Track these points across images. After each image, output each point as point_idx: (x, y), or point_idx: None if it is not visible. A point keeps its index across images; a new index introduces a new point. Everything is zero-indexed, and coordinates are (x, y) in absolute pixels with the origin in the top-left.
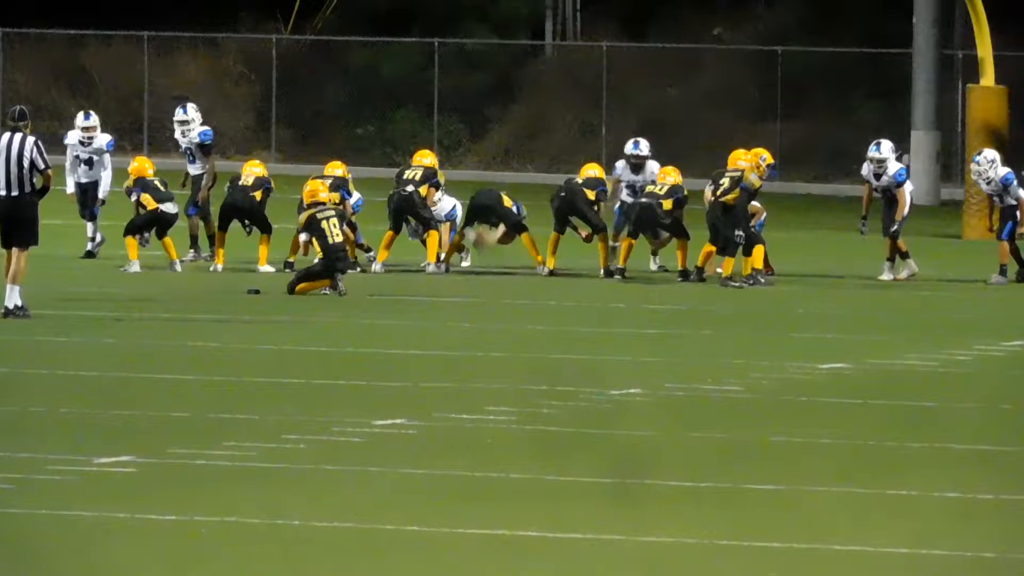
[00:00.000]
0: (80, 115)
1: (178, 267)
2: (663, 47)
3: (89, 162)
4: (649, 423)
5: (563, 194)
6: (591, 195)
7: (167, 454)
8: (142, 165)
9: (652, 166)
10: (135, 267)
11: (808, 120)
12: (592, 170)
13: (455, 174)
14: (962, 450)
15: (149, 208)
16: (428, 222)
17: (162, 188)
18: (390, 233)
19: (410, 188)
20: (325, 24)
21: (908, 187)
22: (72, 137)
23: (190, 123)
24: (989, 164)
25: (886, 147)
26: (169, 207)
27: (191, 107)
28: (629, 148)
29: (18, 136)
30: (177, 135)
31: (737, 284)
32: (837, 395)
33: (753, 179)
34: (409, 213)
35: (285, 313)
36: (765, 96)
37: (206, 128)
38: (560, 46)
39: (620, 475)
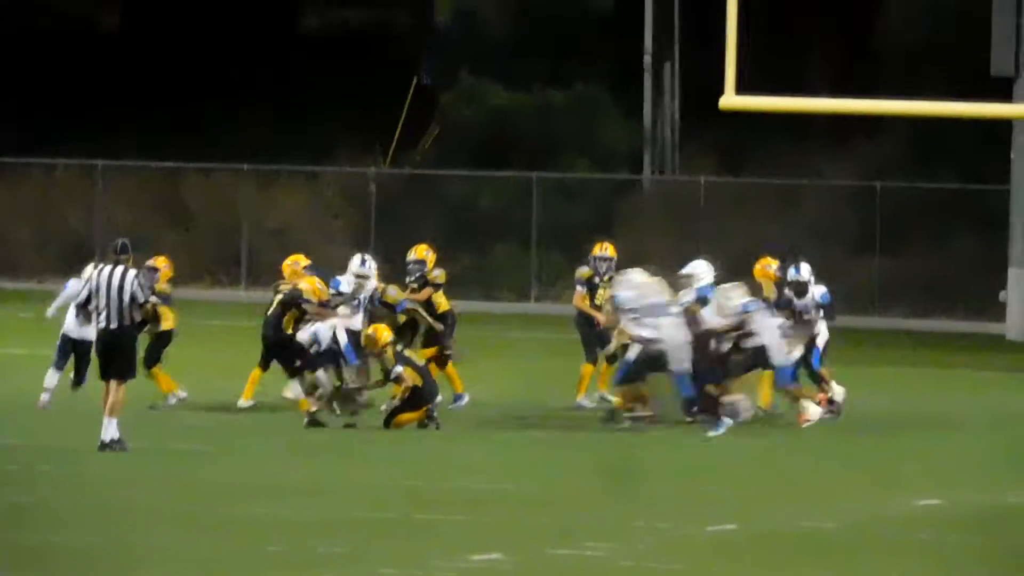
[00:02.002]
0: (356, 258)
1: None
2: (762, 182)
3: (359, 306)
4: (742, 561)
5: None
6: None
7: None
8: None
9: (816, 290)
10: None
11: (907, 255)
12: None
13: (555, 308)
14: None
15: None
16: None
17: None
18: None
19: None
20: (424, 157)
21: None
22: (344, 282)
23: (370, 278)
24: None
25: (805, 269)
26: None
27: (371, 261)
28: (791, 274)
29: (120, 269)
30: (348, 285)
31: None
32: (933, 531)
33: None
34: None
35: (380, 446)
36: (864, 230)
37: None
38: (658, 180)
39: None
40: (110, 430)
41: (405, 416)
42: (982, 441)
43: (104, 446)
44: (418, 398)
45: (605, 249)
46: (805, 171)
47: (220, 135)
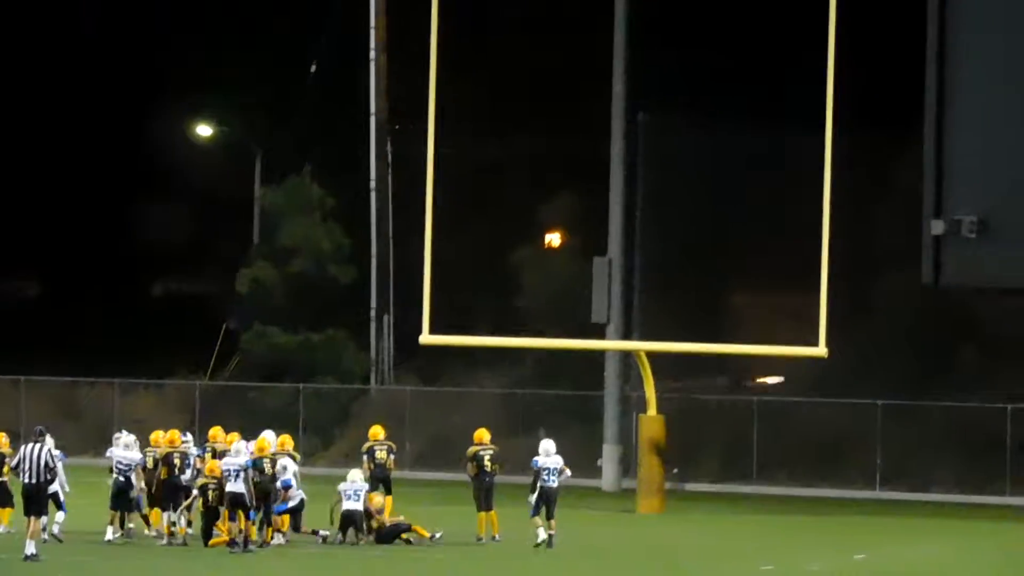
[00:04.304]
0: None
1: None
2: (446, 390)
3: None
4: None
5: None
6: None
7: None
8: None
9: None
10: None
11: (535, 438)
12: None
13: (314, 470)
14: None
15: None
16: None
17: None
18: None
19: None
20: (232, 373)
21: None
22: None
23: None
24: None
25: (548, 446)
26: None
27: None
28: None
29: (39, 446)
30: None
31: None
32: None
33: None
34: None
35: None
36: (512, 421)
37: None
38: (380, 389)
39: None
40: (31, 548)
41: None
42: (590, 551)
43: (27, 558)
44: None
45: (379, 433)
46: (473, 382)
47: (99, 362)
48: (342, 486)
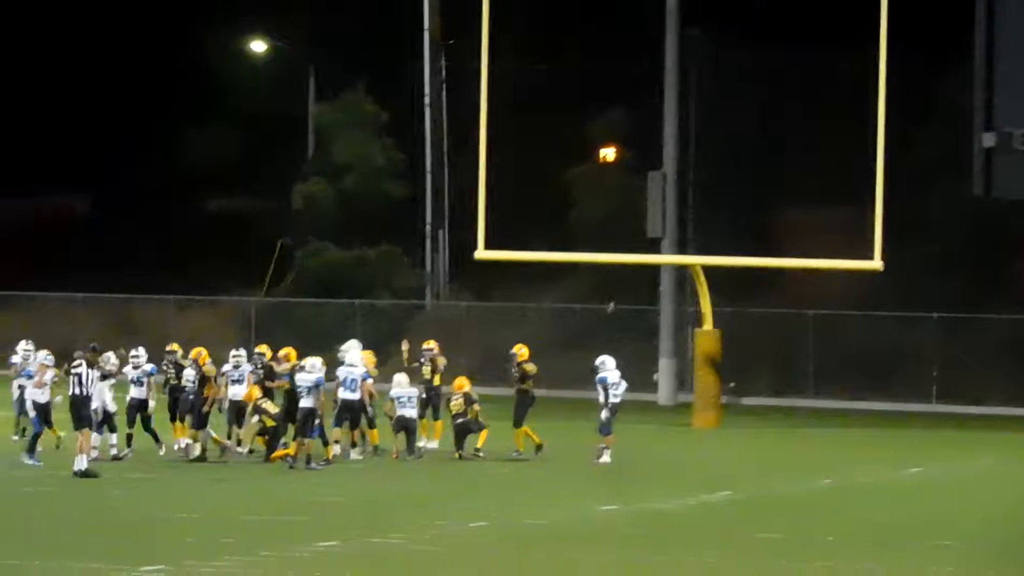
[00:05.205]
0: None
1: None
2: (501, 304)
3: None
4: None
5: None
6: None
7: None
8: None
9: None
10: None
11: (591, 353)
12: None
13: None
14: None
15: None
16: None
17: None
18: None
19: None
20: (287, 290)
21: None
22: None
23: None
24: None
25: (609, 362)
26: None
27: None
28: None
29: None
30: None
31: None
32: (624, 524)
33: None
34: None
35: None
36: (562, 337)
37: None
38: (435, 305)
39: None
40: (78, 463)
41: (276, 453)
42: (646, 465)
43: (76, 474)
44: (274, 439)
45: (431, 344)
46: (527, 298)
47: (154, 279)
48: (395, 392)
